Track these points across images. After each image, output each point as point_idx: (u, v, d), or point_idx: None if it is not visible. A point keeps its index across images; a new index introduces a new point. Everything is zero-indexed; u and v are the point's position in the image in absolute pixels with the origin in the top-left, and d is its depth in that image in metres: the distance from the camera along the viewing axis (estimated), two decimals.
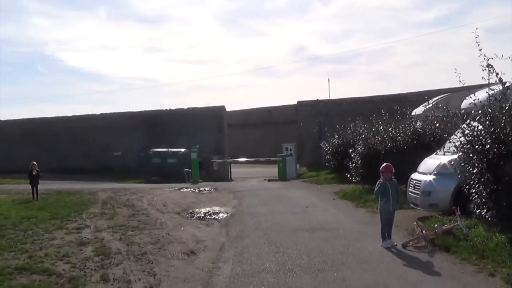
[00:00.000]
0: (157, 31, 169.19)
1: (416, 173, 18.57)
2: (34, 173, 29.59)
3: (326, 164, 38.92)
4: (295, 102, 53.19)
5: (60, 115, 57.72)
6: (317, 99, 50.69)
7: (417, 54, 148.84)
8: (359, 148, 26.01)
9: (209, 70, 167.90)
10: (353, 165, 26.39)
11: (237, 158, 51.65)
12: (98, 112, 57.06)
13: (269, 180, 39.76)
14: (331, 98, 52.15)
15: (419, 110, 29.07)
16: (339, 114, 43.01)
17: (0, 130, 56.67)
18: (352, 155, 26.59)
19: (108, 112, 56.68)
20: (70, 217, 21.69)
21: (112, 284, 11.55)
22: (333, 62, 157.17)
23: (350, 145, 29.42)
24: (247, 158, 51.71)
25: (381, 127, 25.63)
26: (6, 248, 15.44)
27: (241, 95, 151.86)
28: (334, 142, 35.09)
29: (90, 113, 57.63)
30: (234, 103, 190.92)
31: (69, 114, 57.49)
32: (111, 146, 52.66)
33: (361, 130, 28.60)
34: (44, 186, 30.14)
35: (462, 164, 14.47)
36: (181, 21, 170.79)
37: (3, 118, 59.76)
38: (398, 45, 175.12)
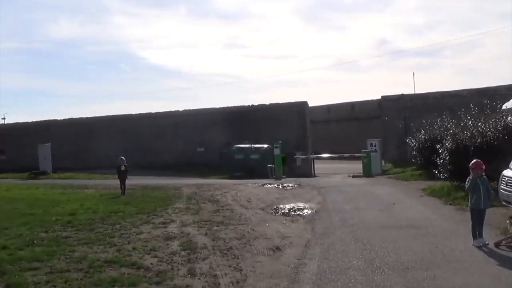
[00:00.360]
0: (237, 28, 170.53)
1: (508, 169, 18.01)
2: (122, 168, 29.99)
3: (412, 160, 38.22)
4: (379, 97, 52.63)
5: (144, 112, 58.55)
6: (402, 94, 49.86)
7: (504, 46, 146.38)
8: (447, 144, 25.43)
9: (289, 66, 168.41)
10: (441, 161, 25.84)
11: (320, 154, 51.38)
12: (180, 109, 57.53)
13: (353, 176, 39.36)
14: (416, 92, 51.28)
15: (510, 104, 28.26)
16: (425, 109, 42.37)
17: (86, 127, 57.60)
18: (440, 151, 26.02)
19: (191, 108, 57.11)
20: (156, 212, 22.03)
21: (199, 279, 11.60)
22: (417, 55, 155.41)
23: (437, 141, 28.79)
24: (330, 154, 51.41)
25: (470, 122, 25.07)
26: (95, 242, 15.78)
27: (322, 90, 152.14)
28: (421, 137, 34.44)
29: (172, 109, 58.17)
30: (315, 98, 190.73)
31: (153, 111, 58.20)
32: (194, 142, 52.93)
33: (448, 125, 28.06)
34: (129, 181, 30.52)
35: None
36: (261, 17, 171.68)
37: (89, 115, 60.71)
38: (484, 37, 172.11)
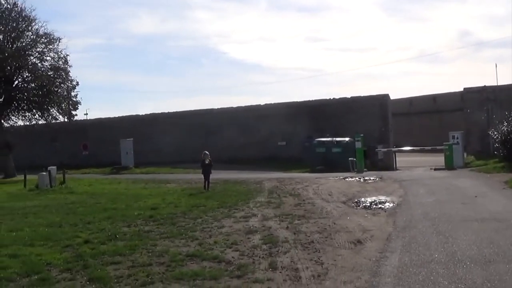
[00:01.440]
0: (318, 20, 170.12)
1: None
2: (207, 162, 29.82)
3: (495, 152, 37.79)
4: (461, 89, 51.78)
5: (225, 106, 58.99)
6: (484, 85, 48.90)
7: None
8: None
9: (371, 58, 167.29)
10: None
11: (402, 147, 50.89)
12: (262, 103, 57.65)
13: (435, 169, 38.92)
14: (499, 84, 50.21)
15: None
16: (508, 101, 41.62)
17: (168, 122, 58.29)
18: None
19: (272, 102, 57.20)
20: (237, 206, 22.23)
21: (280, 272, 11.66)
22: (500, 46, 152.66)
23: None
24: (412, 147, 50.90)
25: None
26: (177, 236, 16.02)
27: (404, 82, 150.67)
28: (504, 129, 34.02)
29: (254, 103, 58.36)
30: (397, 91, 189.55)
31: (234, 105, 58.46)
32: (275, 136, 53.04)
33: None
34: (211, 175, 30.64)
35: None
36: (341, 9, 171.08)
37: (170, 110, 61.39)
38: None
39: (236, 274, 11.61)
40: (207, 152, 30.44)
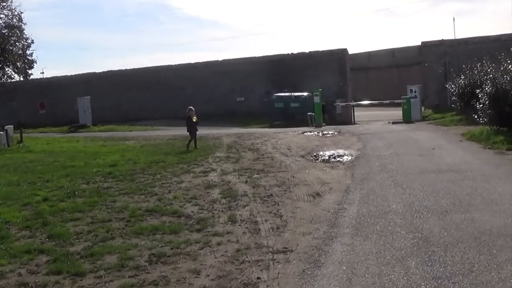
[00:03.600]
0: None
1: None
2: (194, 120, 27.91)
3: (452, 105, 38.10)
4: (419, 43, 52.04)
5: (183, 62, 58.51)
6: (442, 39, 49.13)
7: None
8: (486, 88, 25.25)
9: (330, 12, 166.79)
10: (481, 106, 25.68)
11: (360, 101, 51.10)
12: (220, 59, 57.38)
13: (393, 123, 39.16)
14: (456, 38, 50.41)
15: None
16: (465, 54, 41.89)
17: (125, 79, 57.71)
18: (479, 96, 25.85)
19: (230, 58, 56.95)
20: (196, 161, 22.17)
21: (239, 225, 11.75)
22: (458, 0, 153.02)
23: (477, 86, 28.67)
24: (370, 101, 51.12)
25: (510, 66, 24.80)
26: (136, 191, 16.03)
27: (363, 37, 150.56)
28: (460, 83, 34.24)
29: (212, 59, 58.06)
30: (356, 45, 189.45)
31: (192, 61, 58.08)
32: (234, 92, 52.98)
33: (488, 70, 27.88)
34: (169, 132, 30.54)
35: None
36: None
37: (128, 67, 60.83)
38: None
39: (196, 228, 11.68)
40: (192, 108, 28.62)
